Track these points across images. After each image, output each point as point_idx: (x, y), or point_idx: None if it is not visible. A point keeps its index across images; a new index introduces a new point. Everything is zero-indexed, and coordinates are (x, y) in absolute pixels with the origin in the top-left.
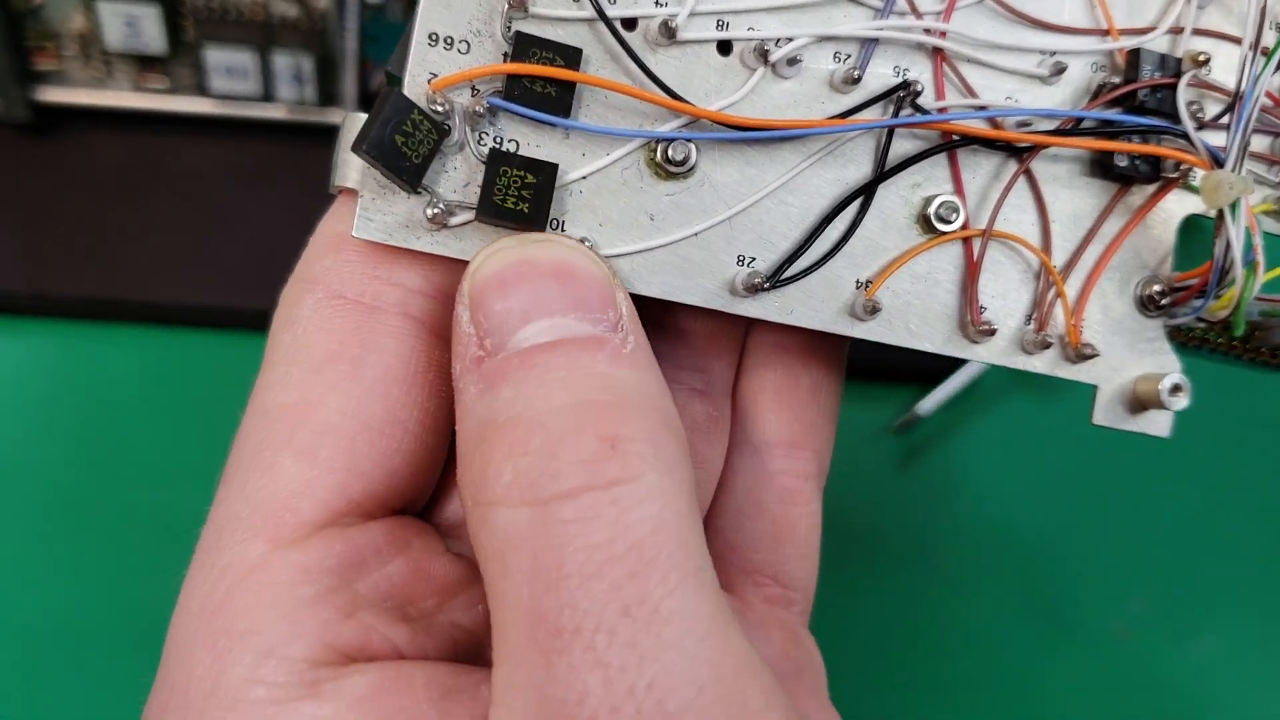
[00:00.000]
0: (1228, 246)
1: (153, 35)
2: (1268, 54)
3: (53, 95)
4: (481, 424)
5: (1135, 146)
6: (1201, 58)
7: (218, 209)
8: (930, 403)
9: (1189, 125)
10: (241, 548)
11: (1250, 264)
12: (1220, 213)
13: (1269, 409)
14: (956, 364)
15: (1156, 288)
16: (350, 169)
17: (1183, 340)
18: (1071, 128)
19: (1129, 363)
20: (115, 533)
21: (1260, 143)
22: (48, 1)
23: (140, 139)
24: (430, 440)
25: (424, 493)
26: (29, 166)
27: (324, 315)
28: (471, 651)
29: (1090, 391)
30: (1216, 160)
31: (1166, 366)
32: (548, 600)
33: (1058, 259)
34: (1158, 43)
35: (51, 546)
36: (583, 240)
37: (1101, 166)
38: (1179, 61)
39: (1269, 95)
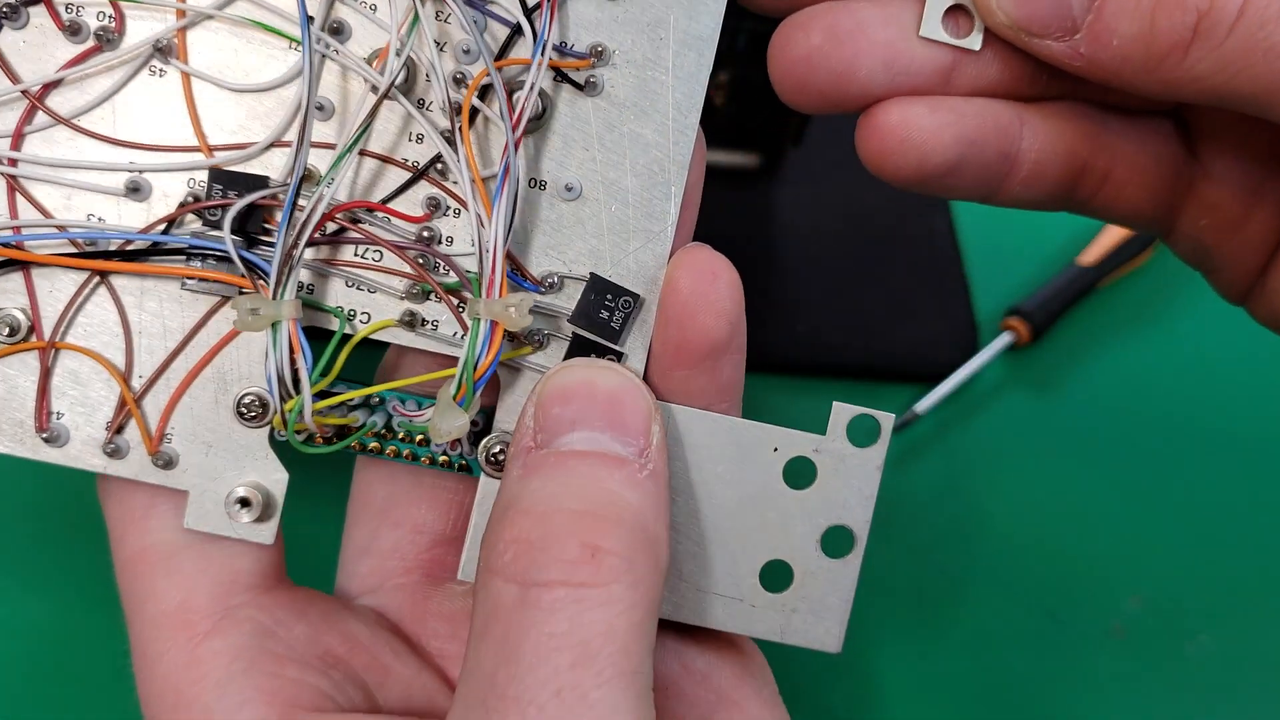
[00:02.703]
0: (275, 367)
1: None
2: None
3: None
4: (509, 502)
5: (182, 270)
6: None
7: None
8: (928, 402)
9: (230, 247)
10: (170, 652)
11: (298, 389)
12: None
13: (1268, 409)
14: (954, 364)
15: (247, 399)
16: None
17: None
18: (144, 249)
19: (231, 470)
20: None
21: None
22: None
23: None
24: None
25: None
26: None
27: None
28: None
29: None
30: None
31: (270, 473)
32: (504, 669)
33: (146, 369)
34: (274, 158)
35: None
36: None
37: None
38: (262, 179)
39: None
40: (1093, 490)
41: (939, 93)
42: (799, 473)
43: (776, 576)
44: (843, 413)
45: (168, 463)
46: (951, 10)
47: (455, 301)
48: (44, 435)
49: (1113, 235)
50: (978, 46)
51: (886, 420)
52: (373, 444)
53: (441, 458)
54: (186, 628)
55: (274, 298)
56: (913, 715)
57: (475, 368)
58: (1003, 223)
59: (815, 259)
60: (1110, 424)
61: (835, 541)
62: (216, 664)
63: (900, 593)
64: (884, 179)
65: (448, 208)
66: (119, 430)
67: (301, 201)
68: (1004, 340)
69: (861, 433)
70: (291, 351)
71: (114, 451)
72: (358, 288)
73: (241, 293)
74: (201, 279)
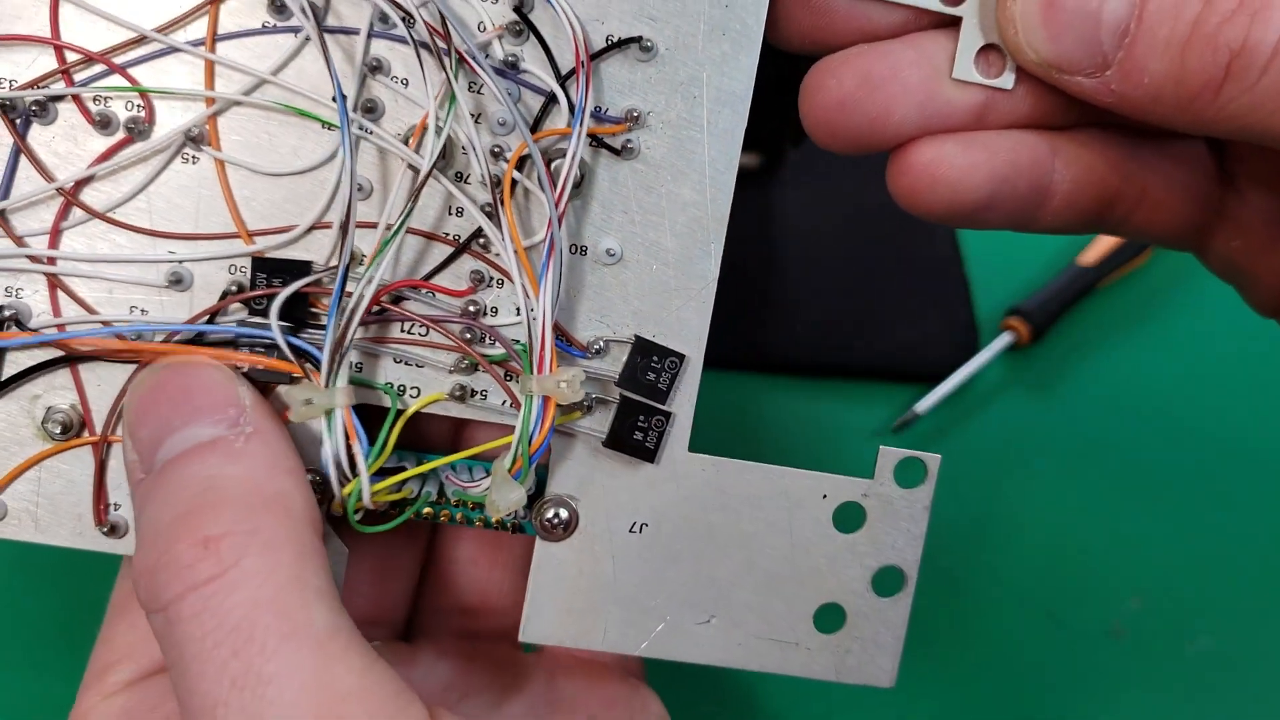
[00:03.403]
0: (331, 454)
1: None
2: (377, 252)
3: None
4: (137, 541)
5: (229, 356)
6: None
7: None
8: (928, 402)
9: (279, 336)
10: (83, 699)
11: (355, 472)
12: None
13: (1268, 409)
14: (954, 364)
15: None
16: None
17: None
18: (186, 339)
19: None
20: None
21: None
22: None
23: None
24: None
25: None
26: None
27: None
28: None
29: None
30: (316, 366)
31: (330, 549)
32: (182, 689)
33: None
34: (314, 241)
35: None
36: None
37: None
38: (305, 264)
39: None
40: (1093, 490)
41: (972, 129)
42: (848, 516)
43: (829, 619)
44: (890, 456)
45: None
46: (983, 50)
47: (502, 373)
48: (104, 529)
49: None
50: (1010, 85)
51: (933, 461)
52: (426, 510)
53: (495, 518)
54: (101, 679)
55: (326, 386)
56: (912, 715)
57: (530, 442)
58: None
59: (815, 259)
60: (1110, 424)
61: (886, 581)
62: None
63: None
64: (916, 215)
65: (491, 279)
66: None
67: (349, 286)
68: (1004, 340)
69: (908, 474)
70: (347, 437)
71: None
72: (405, 363)
73: (291, 379)
74: (250, 366)
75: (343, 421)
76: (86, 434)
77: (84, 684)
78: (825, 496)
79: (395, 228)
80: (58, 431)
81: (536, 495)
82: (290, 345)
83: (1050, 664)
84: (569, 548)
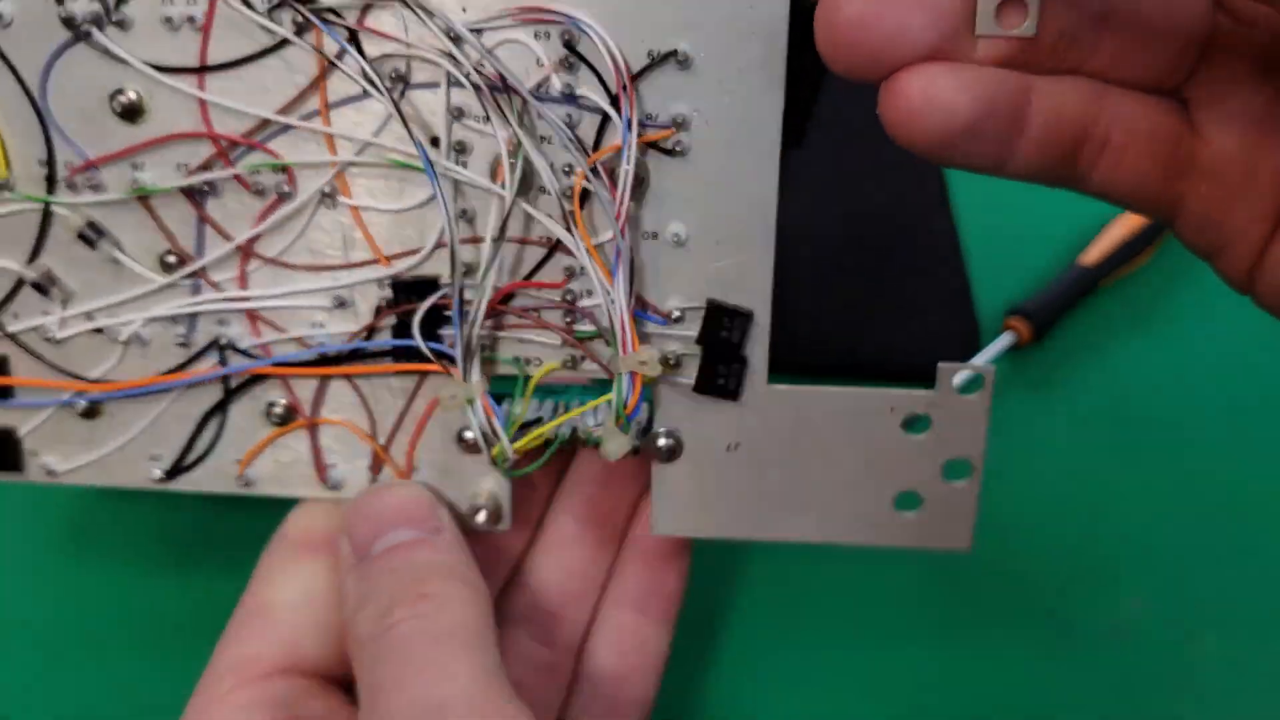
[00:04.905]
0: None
1: None
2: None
3: None
4: (355, 601)
5: (384, 367)
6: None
7: None
8: None
9: (420, 344)
10: (218, 684)
11: (493, 442)
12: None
13: (1271, 409)
14: None
15: (468, 436)
16: None
17: None
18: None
19: (467, 483)
20: None
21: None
22: None
23: None
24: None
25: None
26: None
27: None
28: None
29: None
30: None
31: (496, 483)
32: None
33: (384, 427)
34: (439, 260)
35: None
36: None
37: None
38: (434, 280)
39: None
40: (1094, 490)
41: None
42: (915, 424)
43: (907, 502)
44: (947, 371)
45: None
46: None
47: (604, 343)
48: (327, 485)
49: (1114, 235)
50: (1033, 32)
51: (989, 371)
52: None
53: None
54: (218, 684)
55: (464, 380)
56: (911, 715)
57: (624, 407)
58: (1004, 222)
59: (815, 259)
60: (1112, 424)
61: (955, 470)
62: (243, 701)
63: (898, 592)
64: (909, 143)
65: (580, 270)
66: (378, 471)
67: (469, 295)
68: (1005, 340)
69: (966, 385)
70: (488, 416)
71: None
72: (523, 340)
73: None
74: (403, 372)
75: (481, 405)
76: (300, 418)
77: (216, 676)
78: (892, 410)
79: (491, 248)
80: (277, 420)
81: (648, 429)
82: (433, 352)
83: (1050, 664)
84: (679, 467)
